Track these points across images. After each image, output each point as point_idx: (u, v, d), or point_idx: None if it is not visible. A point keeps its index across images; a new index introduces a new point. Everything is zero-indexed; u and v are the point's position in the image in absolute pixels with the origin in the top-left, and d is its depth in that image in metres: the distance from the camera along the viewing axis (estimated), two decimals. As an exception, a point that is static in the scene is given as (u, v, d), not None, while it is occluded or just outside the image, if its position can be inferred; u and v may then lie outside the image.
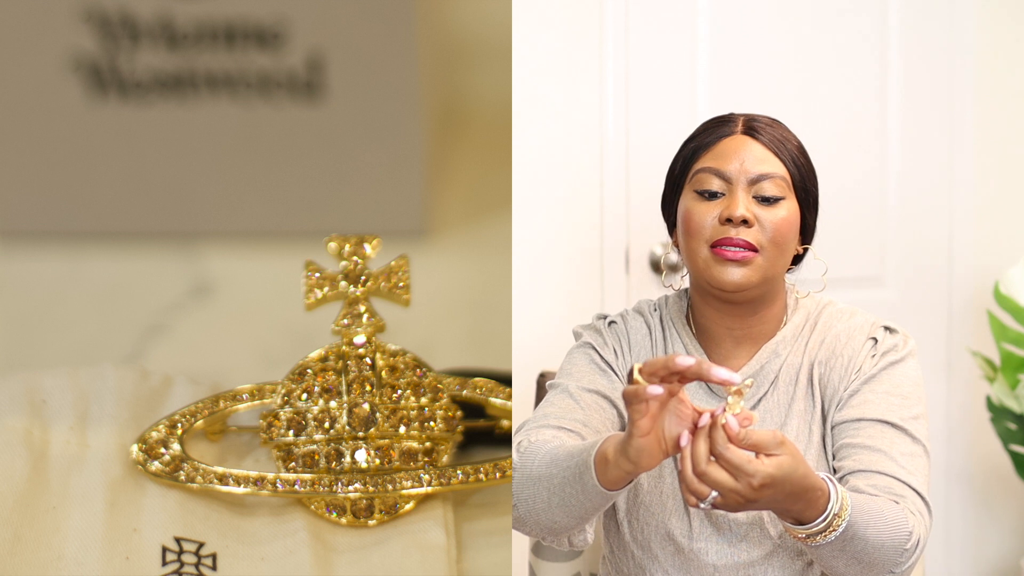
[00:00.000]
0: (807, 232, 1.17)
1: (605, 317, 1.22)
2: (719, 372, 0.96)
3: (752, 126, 1.16)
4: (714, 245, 1.12)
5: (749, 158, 1.13)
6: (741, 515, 1.15)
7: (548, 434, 1.11)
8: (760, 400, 1.17)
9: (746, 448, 0.97)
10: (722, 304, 1.16)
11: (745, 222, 1.11)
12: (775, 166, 1.14)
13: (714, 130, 1.16)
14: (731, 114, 1.18)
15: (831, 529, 1.01)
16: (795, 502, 0.99)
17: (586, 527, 1.10)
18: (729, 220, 1.11)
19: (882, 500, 1.07)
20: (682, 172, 1.17)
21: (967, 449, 2.00)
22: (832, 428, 1.14)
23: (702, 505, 0.98)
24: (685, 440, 0.97)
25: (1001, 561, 2.04)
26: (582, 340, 1.20)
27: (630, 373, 0.98)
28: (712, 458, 0.97)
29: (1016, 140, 2.00)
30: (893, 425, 1.12)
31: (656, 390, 0.96)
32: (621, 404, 1.15)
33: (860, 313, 1.18)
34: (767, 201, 1.13)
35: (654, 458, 0.99)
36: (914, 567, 1.09)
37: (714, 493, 0.98)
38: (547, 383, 1.21)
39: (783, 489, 0.98)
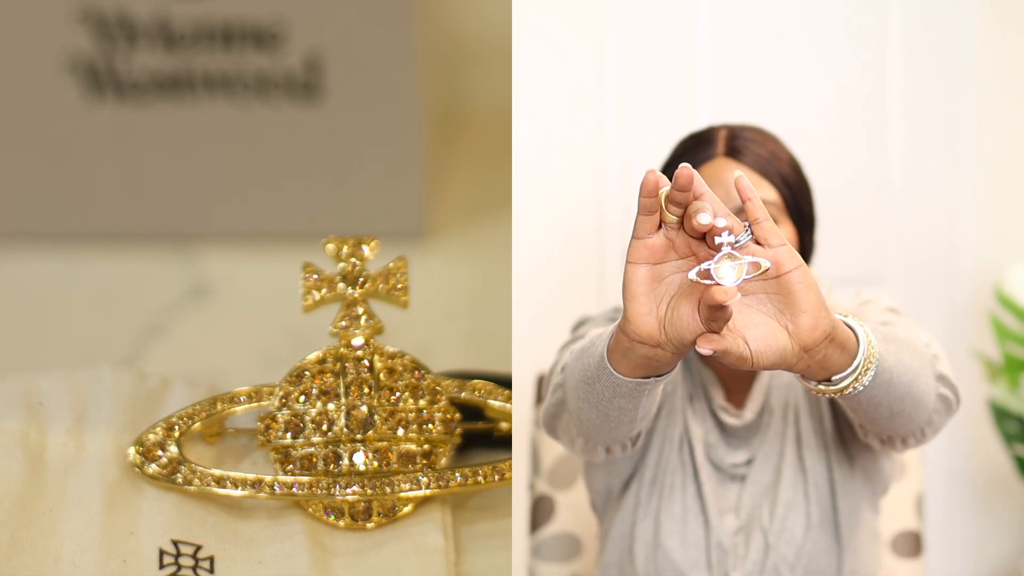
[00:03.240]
0: (805, 252, 1.13)
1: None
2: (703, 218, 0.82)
3: (735, 146, 1.11)
4: None
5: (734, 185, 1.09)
6: (759, 564, 1.13)
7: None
8: (766, 437, 1.16)
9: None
10: None
11: None
12: (763, 190, 1.09)
13: (694, 152, 1.12)
14: (711, 130, 1.14)
15: (869, 362, 0.91)
16: (838, 330, 0.87)
17: (624, 429, 1.02)
18: None
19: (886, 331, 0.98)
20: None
21: (968, 450, 2.00)
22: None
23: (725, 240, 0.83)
24: (693, 274, 0.83)
25: (1001, 562, 2.03)
26: (597, 314, 1.18)
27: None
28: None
29: (1018, 138, 2.00)
30: (892, 320, 1.06)
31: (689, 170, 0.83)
32: None
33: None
34: None
35: (642, 308, 0.86)
36: (949, 416, 1.04)
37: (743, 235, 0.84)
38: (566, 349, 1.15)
39: (815, 286, 0.86)
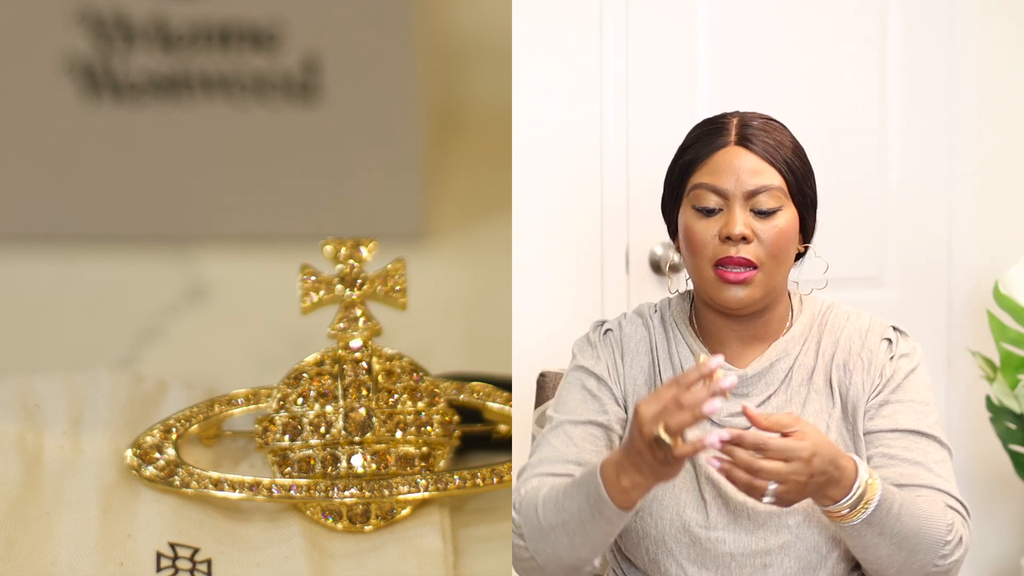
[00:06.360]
0: (807, 231, 1.19)
1: (603, 324, 1.22)
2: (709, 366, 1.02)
3: (745, 134, 1.16)
4: (716, 264, 1.13)
5: (744, 171, 1.14)
6: (759, 503, 1.15)
7: (535, 483, 1.12)
8: (769, 397, 1.18)
9: (771, 428, 1.05)
10: (727, 314, 1.17)
11: (744, 239, 1.13)
12: (770, 177, 1.15)
13: (708, 140, 1.17)
14: (724, 117, 1.18)
15: (864, 502, 1.07)
16: (836, 469, 1.06)
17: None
18: (728, 238, 1.13)
19: (920, 498, 1.14)
20: (680, 183, 1.18)
21: (967, 449, 2.00)
22: (865, 435, 1.17)
23: (765, 500, 1.05)
24: (714, 439, 1.02)
25: (1001, 561, 2.03)
26: (575, 363, 1.21)
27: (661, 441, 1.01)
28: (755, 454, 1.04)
29: (1017, 139, 2.00)
30: (923, 435, 1.16)
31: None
32: (611, 425, 1.17)
33: (865, 314, 1.21)
34: (764, 214, 1.14)
35: (679, 468, 1.04)
36: (960, 565, 1.12)
37: (773, 485, 1.04)
38: (546, 413, 1.21)
39: (826, 454, 1.05)
